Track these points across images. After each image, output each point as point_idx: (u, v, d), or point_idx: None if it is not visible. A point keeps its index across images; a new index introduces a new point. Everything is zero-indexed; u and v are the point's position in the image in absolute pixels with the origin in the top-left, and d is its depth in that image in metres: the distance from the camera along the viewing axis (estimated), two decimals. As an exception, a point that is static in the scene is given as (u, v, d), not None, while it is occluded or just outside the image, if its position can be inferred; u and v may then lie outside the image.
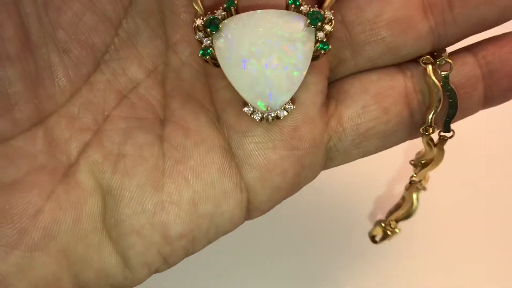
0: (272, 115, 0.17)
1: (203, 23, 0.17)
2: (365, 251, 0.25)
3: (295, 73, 0.17)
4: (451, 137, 0.20)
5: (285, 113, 0.17)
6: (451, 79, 0.19)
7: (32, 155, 0.17)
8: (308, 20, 0.17)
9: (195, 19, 0.17)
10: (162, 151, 0.18)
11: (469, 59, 0.19)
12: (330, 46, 0.17)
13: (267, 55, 0.17)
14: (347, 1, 0.18)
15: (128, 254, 0.17)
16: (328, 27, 0.17)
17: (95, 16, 0.17)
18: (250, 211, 0.19)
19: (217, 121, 0.18)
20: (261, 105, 0.17)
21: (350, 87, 0.19)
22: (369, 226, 0.25)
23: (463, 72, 0.19)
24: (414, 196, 0.21)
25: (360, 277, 0.25)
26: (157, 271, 0.18)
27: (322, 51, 0.17)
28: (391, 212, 0.22)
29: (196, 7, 0.17)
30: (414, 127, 0.20)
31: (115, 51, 0.18)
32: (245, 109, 0.17)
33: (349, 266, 0.25)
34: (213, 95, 0.18)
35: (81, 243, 0.17)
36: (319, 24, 0.17)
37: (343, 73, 0.19)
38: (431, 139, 0.20)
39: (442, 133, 0.20)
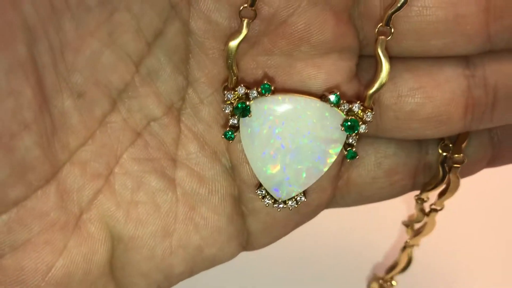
0: (282, 206, 0.17)
1: (233, 101, 0.16)
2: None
3: (314, 174, 0.16)
4: (440, 210, 0.21)
5: (295, 205, 0.17)
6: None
7: (45, 213, 0.16)
8: (343, 128, 0.16)
9: (225, 87, 0.16)
10: (176, 197, 0.18)
11: (485, 141, 0.20)
12: (358, 156, 0.17)
13: (291, 150, 0.16)
14: (389, 81, 0.17)
15: None
16: (363, 130, 0.16)
17: (114, 55, 0.16)
18: (247, 248, 0.20)
19: (231, 169, 0.18)
20: (274, 193, 0.17)
21: (365, 156, 0.19)
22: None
23: (476, 157, 0.20)
24: (409, 252, 0.23)
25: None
26: None
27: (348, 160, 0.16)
28: (388, 270, 0.24)
29: (231, 69, 0.16)
30: (413, 189, 0.20)
31: (133, 89, 0.17)
32: (258, 191, 0.17)
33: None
34: (230, 145, 0.18)
35: None
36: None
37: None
38: (423, 208, 0.21)
39: (434, 206, 0.21)
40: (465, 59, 0.17)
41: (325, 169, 0.17)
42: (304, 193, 0.17)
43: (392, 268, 0.24)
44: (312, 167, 0.16)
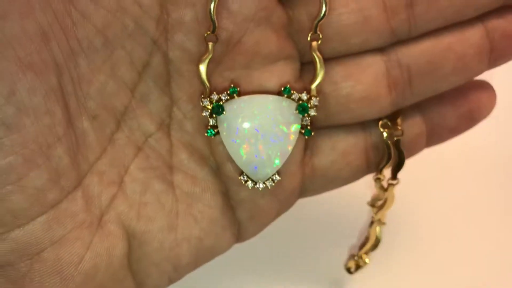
0: (262, 185, 0.21)
1: (209, 106, 0.20)
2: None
3: (282, 152, 0.20)
4: (396, 183, 0.25)
5: (273, 183, 0.21)
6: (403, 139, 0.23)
7: (75, 213, 0.19)
8: (297, 111, 0.20)
9: (202, 98, 0.20)
10: (176, 197, 0.21)
11: (418, 118, 0.24)
12: (313, 133, 0.21)
13: (260, 136, 0.20)
14: (326, 74, 0.21)
15: (145, 282, 0.21)
16: (313, 112, 0.21)
17: (116, 84, 0.20)
18: (239, 239, 0.23)
19: (217, 169, 0.22)
20: (253, 177, 0.21)
21: (322, 143, 0.23)
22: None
23: (412, 131, 0.24)
24: (378, 230, 0.26)
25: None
26: None
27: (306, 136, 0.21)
28: (360, 247, 0.27)
29: (205, 84, 0.20)
30: (369, 171, 0.24)
31: (132, 111, 0.21)
32: (241, 177, 0.21)
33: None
34: (213, 148, 0.22)
35: (112, 279, 0.20)
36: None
37: (317, 127, 0.23)
38: (382, 186, 0.25)
39: (390, 181, 0.25)
40: (381, 51, 0.22)
41: (290, 148, 0.20)
42: (278, 173, 0.21)
43: (363, 244, 0.27)
44: (280, 148, 0.20)
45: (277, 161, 0.20)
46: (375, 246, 0.27)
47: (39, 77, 0.18)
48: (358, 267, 0.28)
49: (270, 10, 0.20)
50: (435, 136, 0.25)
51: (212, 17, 0.19)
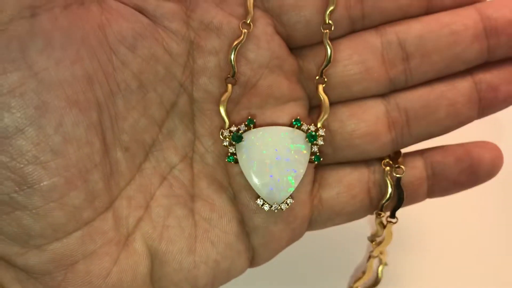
0: (277, 207, 0.23)
1: (229, 136, 0.23)
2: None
3: (295, 176, 0.23)
4: (395, 223, 0.27)
5: (287, 206, 0.23)
6: (403, 178, 0.26)
7: (105, 232, 0.21)
8: (307, 139, 0.23)
9: (222, 129, 0.23)
10: (195, 222, 0.23)
11: (419, 163, 0.26)
12: (321, 159, 0.23)
13: (275, 161, 0.22)
14: (332, 114, 0.24)
15: None
16: (320, 142, 0.23)
17: (147, 121, 0.23)
18: (253, 264, 0.25)
19: (234, 198, 0.24)
20: (269, 199, 0.23)
21: (329, 177, 0.25)
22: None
23: (413, 174, 0.26)
24: (380, 269, 0.28)
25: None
26: None
27: (315, 162, 0.23)
28: (355, 280, 0.28)
29: (224, 119, 0.23)
30: (372, 209, 0.26)
31: (159, 144, 0.23)
32: (257, 201, 0.23)
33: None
34: (231, 178, 0.24)
35: None
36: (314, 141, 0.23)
37: (325, 162, 0.25)
38: (381, 222, 0.27)
39: (389, 219, 0.27)
40: (381, 97, 0.25)
41: (302, 171, 0.23)
42: (291, 197, 0.23)
43: (359, 278, 0.28)
44: (293, 171, 0.23)
45: (291, 181, 0.23)
46: (375, 284, 0.28)
47: (83, 113, 0.20)
48: None
49: (283, 59, 0.24)
50: (437, 186, 0.26)
51: (233, 63, 0.22)
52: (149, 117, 0.23)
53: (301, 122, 0.23)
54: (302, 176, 0.23)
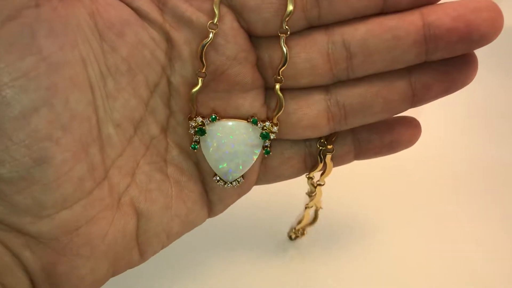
0: (229, 185, 0.28)
1: (195, 127, 0.27)
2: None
3: (247, 163, 0.28)
4: (323, 185, 0.33)
5: (237, 184, 0.28)
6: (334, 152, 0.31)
7: (102, 198, 0.24)
8: (260, 137, 0.27)
9: (189, 120, 0.27)
10: (170, 184, 0.27)
11: (348, 141, 0.30)
12: (271, 153, 0.28)
13: (232, 151, 0.27)
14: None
15: (147, 250, 0.27)
16: (272, 136, 0.28)
17: (135, 100, 0.25)
18: (210, 215, 0.30)
19: (197, 163, 0.29)
20: (224, 179, 0.28)
21: (273, 150, 0.29)
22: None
23: (341, 150, 0.30)
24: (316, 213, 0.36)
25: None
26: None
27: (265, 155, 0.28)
28: (297, 223, 0.36)
29: (192, 109, 0.26)
30: (307, 171, 0.31)
31: (144, 119, 0.26)
32: (214, 178, 0.28)
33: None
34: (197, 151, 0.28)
35: (125, 249, 0.26)
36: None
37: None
38: (313, 183, 0.33)
39: (318, 182, 0.33)
40: (325, 88, 0.28)
41: (253, 162, 0.28)
42: (242, 176, 0.28)
43: (299, 222, 0.36)
44: (245, 162, 0.27)
45: (241, 168, 0.28)
46: (310, 224, 0.36)
47: (82, 91, 0.23)
48: (296, 236, 0.38)
49: (248, 51, 0.26)
50: (361, 155, 0.31)
51: (202, 60, 0.25)
52: (138, 96, 0.25)
53: (257, 122, 0.27)
54: (252, 164, 0.28)
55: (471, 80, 0.26)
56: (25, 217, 0.22)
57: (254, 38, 0.27)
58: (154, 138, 0.27)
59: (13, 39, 0.20)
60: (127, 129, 0.26)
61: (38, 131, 0.21)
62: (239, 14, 0.25)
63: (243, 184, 0.29)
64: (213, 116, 0.27)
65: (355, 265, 0.36)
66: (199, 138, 0.27)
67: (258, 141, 0.28)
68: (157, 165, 0.27)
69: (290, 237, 0.38)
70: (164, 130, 0.27)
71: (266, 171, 0.30)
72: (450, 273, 0.36)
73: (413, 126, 0.30)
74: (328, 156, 0.31)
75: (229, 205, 0.31)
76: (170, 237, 0.28)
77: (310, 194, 0.34)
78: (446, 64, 0.26)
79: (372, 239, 0.38)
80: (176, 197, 0.28)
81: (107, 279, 0.26)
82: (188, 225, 0.29)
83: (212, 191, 0.29)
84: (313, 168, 0.31)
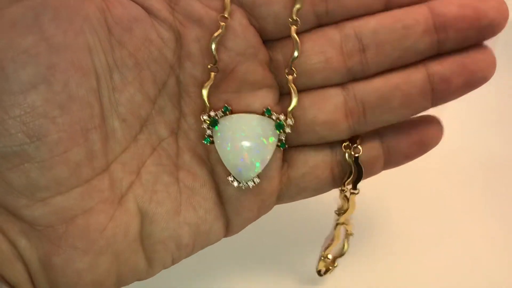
0: (245, 185, 0.26)
1: (207, 120, 0.26)
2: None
3: (262, 159, 0.26)
4: (357, 193, 0.30)
5: (253, 184, 0.27)
6: (361, 157, 0.29)
7: (102, 190, 0.24)
8: (275, 128, 0.26)
9: (202, 114, 0.26)
10: (179, 189, 0.27)
11: (376, 143, 0.29)
12: (286, 146, 0.27)
13: (246, 145, 0.26)
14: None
15: (153, 257, 0.26)
16: (288, 130, 0.26)
17: (142, 96, 0.25)
18: (227, 232, 0.29)
19: (212, 171, 0.28)
20: (238, 177, 0.26)
21: (296, 158, 0.29)
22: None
23: (370, 154, 0.29)
24: (345, 241, 0.32)
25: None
26: (165, 268, 0.27)
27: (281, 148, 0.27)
28: (325, 248, 0.33)
29: (206, 103, 0.26)
30: (336, 184, 0.30)
31: (152, 118, 0.26)
32: (229, 177, 0.27)
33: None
34: (209, 154, 0.27)
35: (128, 249, 0.25)
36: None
37: (291, 144, 0.28)
38: (345, 196, 0.31)
39: (351, 191, 0.30)
40: (341, 86, 0.27)
41: (269, 157, 0.26)
42: (258, 176, 0.27)
43: (329, 245, 0.32)
44: (261, 156, 0.26)
45: (257, 165, 0.26)
46: (341, 255, 0.32)
47: (85, 77, 0.23)
48: (327, 270, 0.34)
49: (257, 48, 0.26)
50: (392, 161, 0.29)
51: (214, 53, 0.25)
52: (144, 93, 0.25)
53: (271, 112, 0.26)
54: (268, 161, 0.26)
55: (490, 74, 0.27)
56: (20, 198, 0.22)
57: (269, 42, 0.27)
58: (163, 140, 0.27)
59: (17, 19, 0.21)
60: (133, 126, 0.26)
61: (34, 107, 0.21)
62: (250, 11, 0.26)
63: (262, 192, 0.28)
64: (226, 107, 0.26)
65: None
66: (211, 132, 0.26)
67: (273, 132, 0.26)
68: (165, 168, 0.27)
69: (319, 273, 0.34)
70: (175, 132, 0.27)
71: (289, 183, 0.29)
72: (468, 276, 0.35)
73: (436, 123, 0.29)
74: (356, 159, 0.29)
75: (248, 222, 0.29)
76: (181, 248, 0.27)
77: (341, 212, 0.31)
78: (462, 56, 0.26)
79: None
80: (186, 203, 0.27)
81: (111, 283, 0.25)
82: (201, 238, 0.27)
83: (228, 201, 0.28)
84: (344, 177, 0.29)
